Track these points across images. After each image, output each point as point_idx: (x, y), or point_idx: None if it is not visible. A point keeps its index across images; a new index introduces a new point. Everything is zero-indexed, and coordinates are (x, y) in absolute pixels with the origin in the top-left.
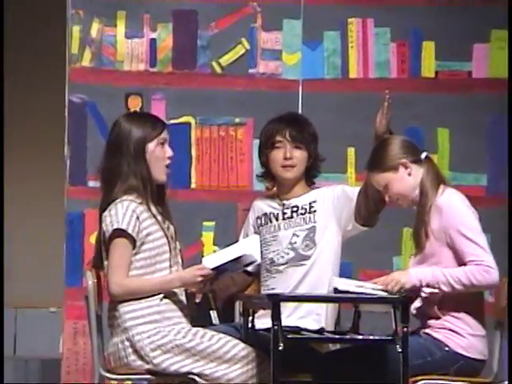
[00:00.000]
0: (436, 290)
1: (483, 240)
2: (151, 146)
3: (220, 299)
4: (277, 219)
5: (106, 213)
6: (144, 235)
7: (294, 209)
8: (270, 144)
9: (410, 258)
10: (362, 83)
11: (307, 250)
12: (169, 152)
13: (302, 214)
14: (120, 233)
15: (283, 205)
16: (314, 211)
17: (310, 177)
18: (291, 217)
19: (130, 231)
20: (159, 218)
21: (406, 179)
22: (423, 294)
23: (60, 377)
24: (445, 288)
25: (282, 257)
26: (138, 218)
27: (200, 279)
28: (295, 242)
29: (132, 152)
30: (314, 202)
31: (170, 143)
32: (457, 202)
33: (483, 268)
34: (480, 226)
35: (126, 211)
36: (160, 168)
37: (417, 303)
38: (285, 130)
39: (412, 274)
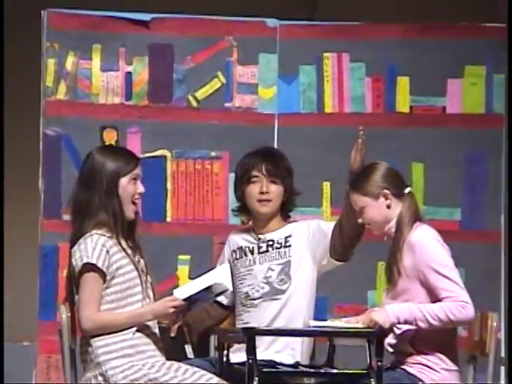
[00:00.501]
0: (413, 327)
1: (457, 276)
2: (124, 181)
3: (195, 333)
4: (252, 253)
5: (75, 247)
6: (114, 269)
7: (270, 243)
8: (246, 178)
9: (383, 294)
10: (337, 117)
11: (282, 285)
12: (140, 188)
13: (277, 248)
14: (90, 267)
15: (259, 239)
16: (289, 246)
17: (285, 211)
18: (267, 251)
19: (99, 265)
20: (129, 251)
21: (383, 209)
22: (397, 331)
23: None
24: (422, 324)
25: (257, 291)
26: (107, 252)
27: (172, 310)
28: (270, 276)
29: (104, 186)
30: (289, 236)
31: (144, 177)
32: (429, 238)
33: (460, 304)
34: (452, 261)
35: (96, 245)
36: (129, 204)
37: (391, 340)
38: (261, 165)
39: (389, 311)
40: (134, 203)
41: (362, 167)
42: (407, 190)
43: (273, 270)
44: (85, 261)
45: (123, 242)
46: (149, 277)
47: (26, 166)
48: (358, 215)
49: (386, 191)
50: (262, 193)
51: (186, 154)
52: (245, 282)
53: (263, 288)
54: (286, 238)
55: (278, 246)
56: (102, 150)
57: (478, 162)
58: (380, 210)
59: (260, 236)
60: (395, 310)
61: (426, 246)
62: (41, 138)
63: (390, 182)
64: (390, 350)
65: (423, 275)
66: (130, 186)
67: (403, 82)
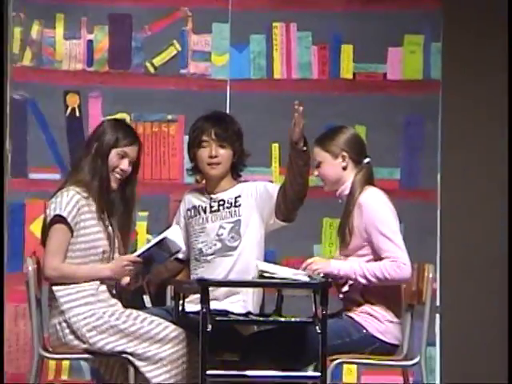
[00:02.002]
0: (352, 281)
1: (399, 238)
2: (114, 152)
3: (152, 284)
4: (205, 212)
5: (52, 199)
6: (81, 227)
7: (221, 202)
8: (196, 143)
9: (336, 253)
10: (285, 83)
11: (233, 242)
12: (124, 165)
13: (227, 207)
14: (60, 219)
15: (210, 198)
16: (239, 205)
17: (235, 171)
18: (218, 210)
19: (68, 220)
20: (102, 216)
21: (338, 169)
22: (350, 281)
23: (2, 356)
24: (361, 280)
25: (210, 248)
26: (79, 209)
27: (128, 267)
28: (222, 234)
29: (95, 151)
30: (238, 196)
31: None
32: (376, 200)
33: (397, 264)
34: (397, 224)
35: (70, 201)
36: (112, 174)
37: (345, 288)
38: (210, 130)
39: (332, 263)
40: (116, 176)
41: (301, 138)
42: (366, 160)
43: (224, 228)
44: (57, 212)
45: (98, 206)
46: (117, 243)
47: None
48: (314, 168)
49: (344, 153)
50: (211, 157)
51: (144, 117)
52: (199, 239)
53: (215, 245)
54: (236, 198)
55: (229, 205)
56: (112, 121)
57: (415, 125)
58: (335, 168)
59: (212, 196)
60: (337, 263)
61: (373, 206)
62: (8, 102)
63: (352, 147)
64: (342, 297)
65: (368, 235)
66: (115, 159)
67: (347, 50)
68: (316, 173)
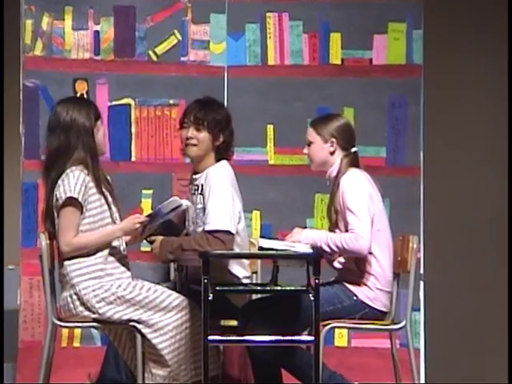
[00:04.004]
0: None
1: (364, 214)
2: (98, 123)
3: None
4: (190, 192)
5: (59, 182)
6: (89, 201)
7: (195, 187)
8: (180, 124)
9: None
10: (278, 69)
11: (198, 228)
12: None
13: (199, 193)
14: (71, 200)
15: (192, 179)
16: (202, 194)
17: (219, 154)
18: (194, 193)
19: (80, 199)
20: (101, 188)
21: (325, 152)
22: None
23: (18, 325)
24: (325, 247)
25: (190, 227)
26: (86, 186)
27: (137, 225)
28: (194, 217)
29: (82, 129)
30: (202, 184)
31: (111, 122)
32: (351, 179)
33: (354, 236)
34: (367, 202)
35: (77, 181)
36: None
37: (341, 258)
38: (192, 113)
39: (303, 232)
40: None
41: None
42: (353, 149)
43: (195, 212)
44: (68, 194)
45: (97, 181)
46: (114, 208)
47: (8, 113)
48: (305, 147)
49: (333, 139)
50: (187, 138)
51: (148, 101)
52: (188, 217)
53: (190, 226)
54: (202, 185)
55: (200, 191)
56: (66, 102)
57: (400, 107)
58: (323, 151)
59: (193, 176)
60: (309, 233)
61: (347, 185)
62: (21, 89)
63: (341, 134)
64: (339, 266)
65: (342, 211)
66: (102, 129)
67: (335, 38)
68: (305, 151)
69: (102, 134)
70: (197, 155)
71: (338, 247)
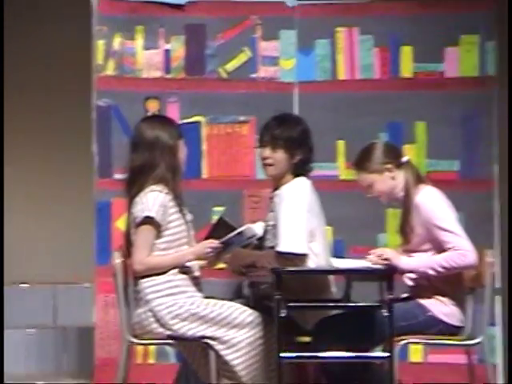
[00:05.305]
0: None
1: (457, 228)
2: (181, 143)
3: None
4: (270, 209)
5: (137, 199)
6: (167, 222)
7: (273, 203)
8: (258, 143)
9: (398, 249)
10: (349, 84)
11: (269, 243)
12: (185, 150)
13: (271, 210)
14: (148, 220)
15: (271, 197)
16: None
17: (296, 172)
18: (272, 210)
19: (157, 219)
20: (180, 207)
21: (388, 181)
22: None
23: (94, 342)
24: (430, 272)
25: (270, 242)
26: (164, 206)
27: (209, 250)
28: (268, 234)
29: (167, 149)
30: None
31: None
32: (430, 198)
33: (462, 253)
34: (453, 215)
35: (155, 201)
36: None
37: (411, 274)
38: (268, 132)
39: (403, 260)
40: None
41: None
42: (405, 159)
43: (267, 229)
44: (145, 214)
45: (177, 200)
46: (192, 229)
47: (81, 133)
48: (366, 191)
49: (388, 166)
50: (264, 157)
51: (218, 119)
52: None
53: (271, 241)
54: (276, 203)
55: (273, 209)
56: (151, 120)
57: (472, 120)
58: (385, 182)
59: (272, 194)
60: (407, 259)
61: (429, 205)
62: (93, 109)
63: (390, 156)
64: (410, 283)
65: (430, 232)
66: (184, 148)
67: (406, 51)
68: (370, 195)
69: (184, 152)
70: (274, 174)
71: (445, 268)
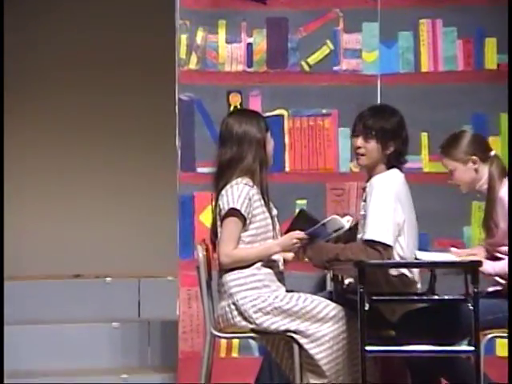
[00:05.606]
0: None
1: None
2: (268, 136)
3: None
4: (362, 199)
5: (223, 192)
6: (253, 215)
7: (365, 194)
8: (351, 132)
9: (481, 244)
10: (432, 76)
11: (358, 234)
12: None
13: (363, 200)
14: (234, 212)
15: (363, 187)
16: (365, 201)
17: (389, 163)
18: (364, 200)
19: (242, 211)
20: (266, 201)
21: (471, 172)
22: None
23: (177, 336)
24: None
25: (359, 234)
26: (250, 199)
27: (295, 241)
28: (358, 224)
29: (255, 143)
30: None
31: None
32: None
33: None
34: None
35: (241, 193)
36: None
37: (502, 270)
38: (361, 122)
39: (488, 264)
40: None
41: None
42: (492, 153)
43: (361, 219)
44: (231, 206)
45: (263, 193)
46: (277, 223)
47: (164, 127)
48: (448, 176)
49: (473, 157)
50: (356, 147)
51: (301, 112)
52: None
53: (359, 233)
54: (367, 193)
55: (364, 198)
56: (238, 115)
57: None
58: (468, 173)
59: (365, 184)
60: (493, 264)
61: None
62: (176, 103)
63: (477, 148)
64: (501, 281)
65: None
66: (271, 141)
67: (491, 43)
68: (450, 181)
69: (271, 145)
70: (366, 164)
71: None
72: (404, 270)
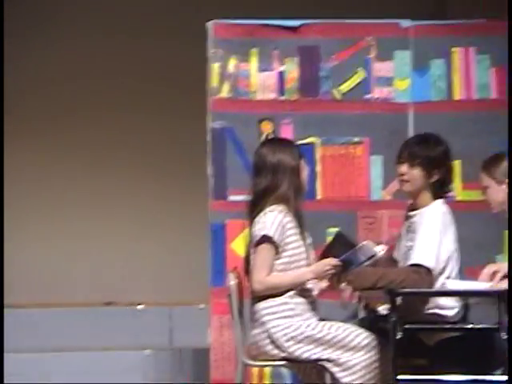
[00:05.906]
0: None
1: None
2: (303, 163)
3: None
4: (406, 228)
5: (257, 219)
6: (286, 243)
7: (409, 224)
8: (396, 159)
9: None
10: (465, 104)
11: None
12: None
13: (411, 230)
14: (266, 239)
15: (407, 216)
16: (414, 232)
17: (434, 192)
18: (408, 230)
19: (275, 239)
20: (300, 229)
21: (503, 193)
22: None
23: (209, 363)
24: None
25: (400, 262)
26: (283, 227)
27: (328, 268)
28: (404, 254)
29: (289, 171)
30: (415, 223)
31: None
32: None
33: None
34: None
35: (275, 220)
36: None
37: None
38: (406, 149)
39: None
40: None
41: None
42: None
43: (406, 249)
44: (263, 233)
45: (297, 220)
46: (311, 253)
47: (196, 155)
48: (481, 191)
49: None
50: (400, 173)
51: (332, 140)
52: (395, 251)
53: (400, 262)
54: (415, 224)
55: (412, 229)
56: (271, 144)
57: None
58: (500, 193)
59: (409, 213)
60: None
61: None
62: (208, 131)
63: None
64: None
65: None
66: (305, 168)
67: None
68: (483, 197)
69: (305, 172)
70: (409, 191)
71: None
72: (438, 311)
